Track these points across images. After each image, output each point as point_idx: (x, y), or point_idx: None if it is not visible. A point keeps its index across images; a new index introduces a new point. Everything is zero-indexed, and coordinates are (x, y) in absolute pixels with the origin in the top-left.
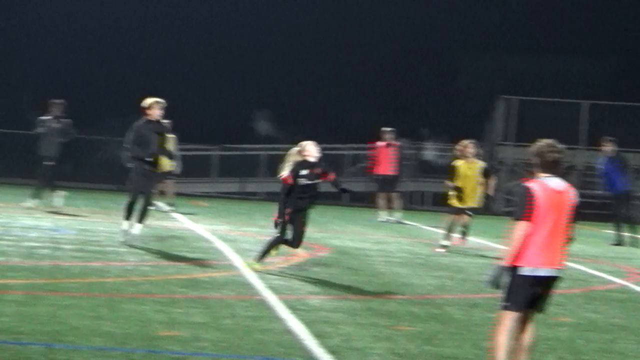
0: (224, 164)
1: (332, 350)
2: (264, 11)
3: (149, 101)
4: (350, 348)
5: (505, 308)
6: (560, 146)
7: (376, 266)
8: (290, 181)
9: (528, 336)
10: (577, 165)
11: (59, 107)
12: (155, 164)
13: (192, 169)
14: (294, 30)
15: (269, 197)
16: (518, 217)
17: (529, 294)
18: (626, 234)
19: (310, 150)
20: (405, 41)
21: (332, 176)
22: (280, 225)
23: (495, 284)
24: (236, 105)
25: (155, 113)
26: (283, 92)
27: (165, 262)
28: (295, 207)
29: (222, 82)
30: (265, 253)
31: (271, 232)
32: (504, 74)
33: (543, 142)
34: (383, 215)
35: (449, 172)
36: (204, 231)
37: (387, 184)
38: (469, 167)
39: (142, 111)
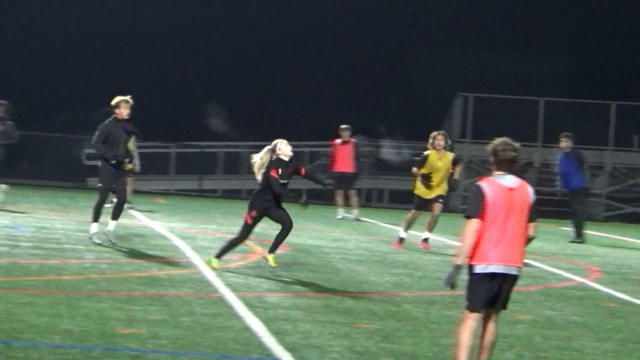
0: (182, 162)
1: (290, 348)
2: (218, 6)
3: (116, 100)
4: (309, 345)
5: (466, 307)
6: (516, 144)
7: (334, 263)
8: (277, 175)
9: (489, 334)
10: (534, 162)
11: (2, 109)
12: (121, 163)
13: (150, 166)
14: (249, 26)
15: (227, 194)
16: (469, 215)
17: (486, 292)
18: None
19: (284, 149)
20: (362, 38)
21: (303, 170)
22: (246, 226)
23: (450, 283)
24: (193, 103)
25: (124, 112)
26: (239, 89)
27: (123, 260)
28: (263, 206)
29: (179, 79)
30: (225, 251)
31: (235, 230)
32: (461, 71)
33: (499, 141)
34: (341, 213)
35: (420, 161)
36: (162, 229)
37: (345, 181)
38: (439, 158)
39: (113, 110)
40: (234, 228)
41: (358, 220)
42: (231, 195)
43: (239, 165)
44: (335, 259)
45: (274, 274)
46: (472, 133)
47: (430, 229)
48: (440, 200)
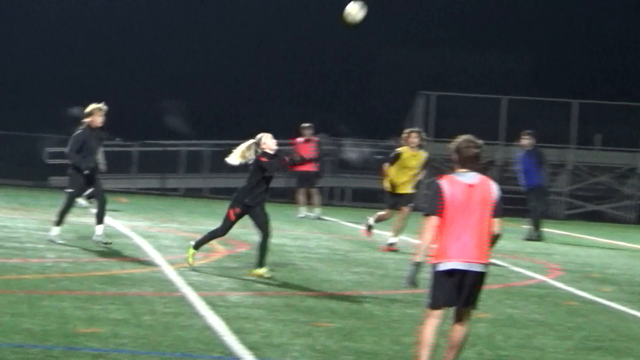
0: (144, 160)
1: (251, 347)
2: (180, 4)
3: (90, 107)
4: (270, 344)
5: (428, 305)
6: (479, 141)
7: (295, 262)
8: (266, 159)
9: (457, 333)
10: (496, 160)
11: None
12: (93, 173)
13: (112, 165)
14: (209, 24)
15: (189, 193)
16: (428, 213)
17: (447, 290)
18: (544, 229)
19: (269, 142)
20: (323, 37)
21: (284, 161)
22: (227, 222)
23: (411, 281)
24: (154, 102)
25: (97, 120)
26: (200, 88)
27: (84, 259)
28: (248, 203)
29: (140, 78)
30: (203, 242)
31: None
32: (423, 70)
33: (461, 138)
34: (302, 211)
35: (392, 158)
36: (123, 227)
37: (307, 180)
38: (413, 155)
39: (87, 117)
40: (196, 227)
41: (320, 218)
42: (193, 193)
43: (201, 164)
44: (296, 257)
45: (236, 273)
46: (434, 132)
47: (398, 233)
48: (411, 204)
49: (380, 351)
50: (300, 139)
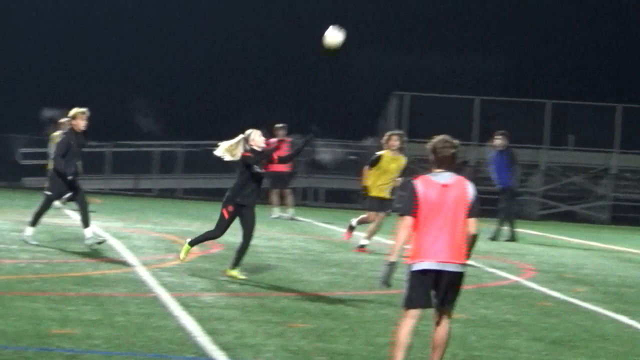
0: (118, 161)
1: (225, 347)
2: (151, 3)
3: (73, 111)
4: (243, 345)
5: (403, 305)
6: (455, 141)
7: (269, 263)
8: (251, 155)
9: (439, 334)
10: (470, 160)
11: None
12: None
13: (86, 165)
14: (181, 24)
15: (163, 193)
16: (402, 213)
17: (422, 290)
18: (505, 227)
19: (257, 140)
20: (297, 37)
21: (275, 157)
22: (222, 221)
23: (385, 281)
24: (126, 102)
25: (81, 123)
26: (172, 89)
27: (57, 260)
28: (241, 202)
29: (112, 79)
30: (199, 241)
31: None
32: (396, 71)
33: (437, 138)
34: (276, 212)
35: (372, 161)
36: (97, 228)
37: (280, 180)
38: (393, 159)
39: (70, 122)
40: (170, 227)
41: (293, 219)
42: (167, 194)
43: (175, 165)
44: (270, 258)
45: (209, 274)
46: (407, 132)
47: (371, 235)
48: (388, 210)
49: (353, 352)
50: (273, 140)
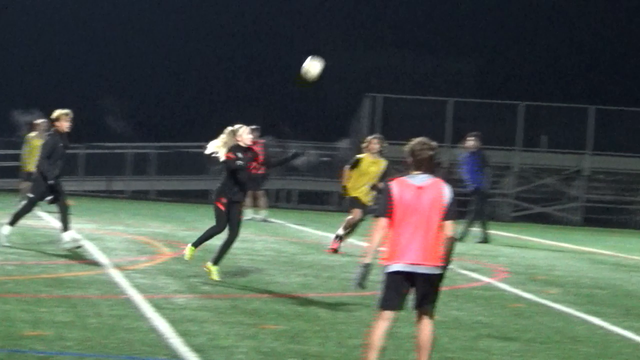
0: (90, 162)
1: (197, 349)
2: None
3: (57, 113)
4: (216, 346)
5: (377, 306)
6: (433, 143)
7: (241, 264)
8: (232, 157)
9: (422, 335)
10: (442, 162)
11: None
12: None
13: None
14: (152, 26)
15: (135, 195)
16: (377, 215)
17: (396, 292)
18: (474, 228)
19: (244, 136)
20: (268, 39)
21: (261, 158)
22: (220, 214)
23: (359, 283)
24: (97, 104)
25: (64, 125)
26: (144, 90)
27: (30, 261)
28: (232, 198)
29: (82, 81)
30: (203, 240)
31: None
32: (369, 72)
33: (415, 141)
34: (249, 214)
35: (352, 163)
36: (75, 233)
37: (253, 182)
38: (373, 162)
39: (53, 123)
40: (142, 229)
41: (266, 221)
42: (139, 196)
43: (147, 167)
44: (242, 259)
45: (181, 275)
46: (380, 134)
47: (349, 232)
48: (367, 213)
49: (326, 353)
50: None
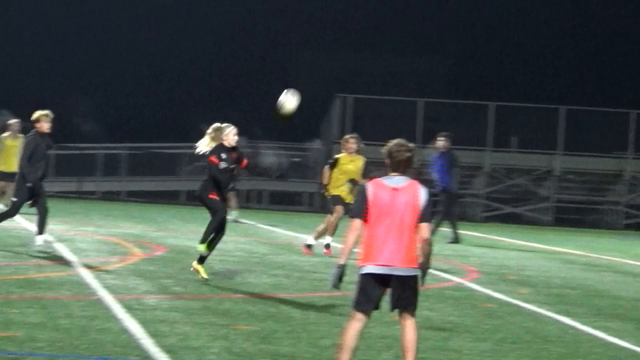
0: (61, 163)
1: (168, 350)
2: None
3: (37, 114)
4: (187, 347)
5: (351, 307)
6: (411, 144)
7: (212, 265)
8: (216, 161)
9: (405, 336)
10: (413, 162)
11: None
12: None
13: None
14: (121, 26)
15: (106, 196)
16: (352, 215)
17: (370, 293)
18: (442, 228)
19: (230, 137)
20: (239, 40)
21: (245, 162)
22: (215, 203)
23: (334, 283)
24: (70, 105)
25: (44, 126)
26: (113, 90)
27: (1, 262)
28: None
29: (55, 81)
30: (209, 234)
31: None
32: (340, 73)
33: (393, 142)
34: None
35: (331, 163)
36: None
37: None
38: (350, 161)
39: (33, 125)
40: (113, 230)
41: (237, 221)
42: (110, 197)
43: (118, 167)
44: (213, 260)
45: (153, 276)
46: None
47: (319, 235)
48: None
49: (297, 354)
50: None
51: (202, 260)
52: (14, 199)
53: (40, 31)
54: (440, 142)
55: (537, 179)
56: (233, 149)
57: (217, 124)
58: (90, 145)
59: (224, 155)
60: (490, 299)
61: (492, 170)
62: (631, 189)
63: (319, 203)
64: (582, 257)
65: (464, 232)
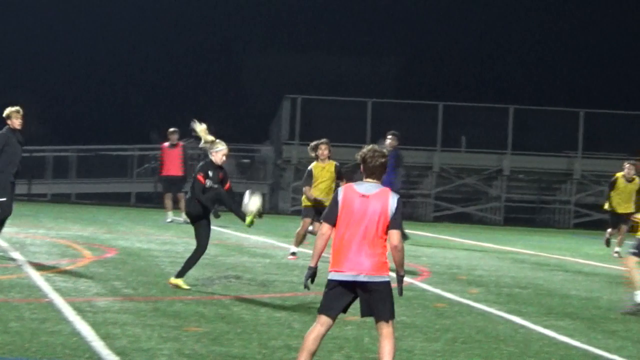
0: None
1: (119, 352)
2: (33, 7)
3: (7, 111)
4: (138, 349)
5: (318, 311)
6: (384, 150)
7: (163, 267)
8: (203, 181)
9: (381, 348)
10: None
11: None
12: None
13: None
14: (71, 26)
15: (56, 198)
16: (322, 219)
17: (335, 299)
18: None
19: (219, 157)
20: (189, 41)
21: (228, 185)
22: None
23: (304, 284)
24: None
25: (16, 122)
26: (63, 93)
27: None
28: (201, 213)
29: (13, 81)
30: (186, 269)
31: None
32: (289, 73)
33: (367, 148)
34: (170, 216)
35: (306, 178)
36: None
37: (173, 184)
38: (323, 167)
39: (5, 121)
40: (64, 232)
41: (187, 223)
42: (60, 199)
43: (68, 170)
44: (164, 262)
45: (103, 278)
46: (300, 135)
47: (298, 243)
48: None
49: (248, 355)
50: (166, 144)
51: (181, 274)
52: (2, 199)
53: None
54: (388, 141)
55: (487, 178)
56: (220, 167)
57: (211, 137)
58: (39, 147)
59: (210, 174)
60: (441, 298)
61: (441, 170)
62: (580, 188)
63: (267, 204)
64: (533, 257)
65: (415, 232)
